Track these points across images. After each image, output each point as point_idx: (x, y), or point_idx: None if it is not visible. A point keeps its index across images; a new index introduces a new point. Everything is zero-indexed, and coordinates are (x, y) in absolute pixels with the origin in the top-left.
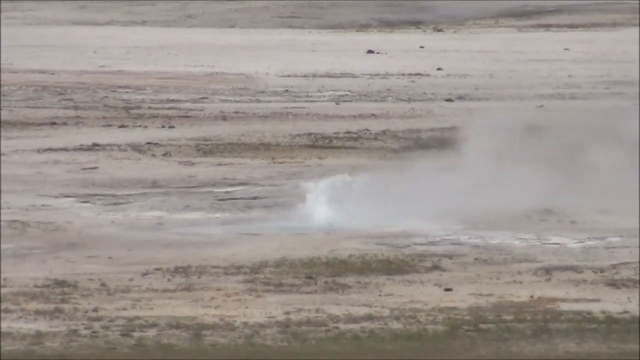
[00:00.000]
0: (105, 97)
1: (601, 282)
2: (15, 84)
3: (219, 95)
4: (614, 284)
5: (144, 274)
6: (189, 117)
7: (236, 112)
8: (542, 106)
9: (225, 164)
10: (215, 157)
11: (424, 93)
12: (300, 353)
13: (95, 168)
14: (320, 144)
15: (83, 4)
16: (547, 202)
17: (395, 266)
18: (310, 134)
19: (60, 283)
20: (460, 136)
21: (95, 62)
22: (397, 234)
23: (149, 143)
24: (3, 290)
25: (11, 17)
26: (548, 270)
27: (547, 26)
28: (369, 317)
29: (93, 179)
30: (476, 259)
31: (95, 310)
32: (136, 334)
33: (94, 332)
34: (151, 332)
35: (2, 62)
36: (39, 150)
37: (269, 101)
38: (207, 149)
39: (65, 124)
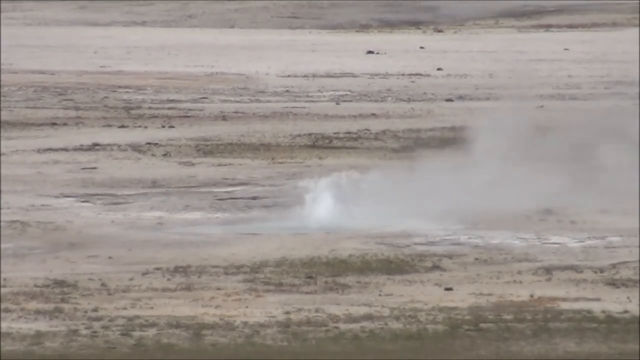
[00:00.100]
0: (106, 97)
1: (601, 281)
2: (15, 84)
3: (219, 95)
4: (614, 284)
5: (144, 274)
6: (189, 117)
7: (236, 112)
8: (542, 106)
9: (225, 164)
10: (215, 157)
11: (424, 93)
12: (300, 353)
13: (95, 168)
14: (321, 144)
15: (83, 4)
16: (548, 202)
17: (395, 266)
18: (310, 134)
19: (60, 283)
20: (460, 136)
21: (96, 62)
22: (397, 233)
23: (149, 143)
24: (3, 290)
25: (11, 17)
26: (548, 270)
27: (547, 26)
28: (369, 317)
29: (93, 179)
30: (476, 258)
31: (95, 310)
32: (136, 334)
33: (94, 331)
34: (151, 332)
35: (2, 62)
36: (39, 151)
37: (269, 101)
38: (207, 149)
39: (65, 124)
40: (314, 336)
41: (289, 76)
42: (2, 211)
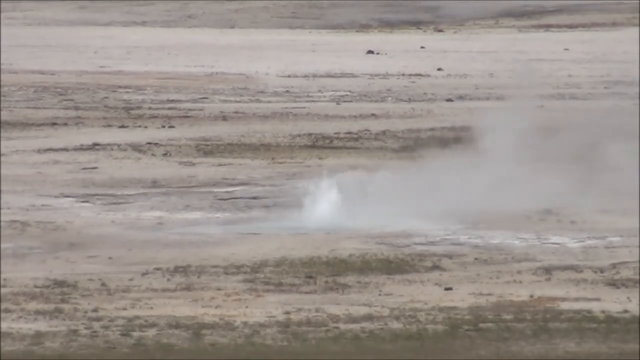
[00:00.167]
0: (106, 97)
1: (601, 281)
2: (15, 84)
3: (219, 95)
4: (613, 284)
5: (144, 274)
6: (189, 117)
7: (236, 112)
8: (542, 106)
9: (225, 164)
10: (215, 157)
11: (424, 93)
12: (300, 353)
13: (95, 168)
14: (321, 144)
15: (83, 4)
16: (547, 202)
17: (395, 266)
18: (310, 134)
19: (60, 283)
20: (461, 136)
21: (96, 62)
22: (397, 233)
23: (149, 143)
24: (3, 290)
25: (11, 17)
26: (548, 270)
27: (547, 26)
28: (369, 317)
29: (93, 179)
30: (476, 258)
31: (95, 310)
32: (136, 334)
33: (93, 332)
34: (151, 332)
35: (2, 62)
36: (39, 151)
37: (269, 101)
38: (207, 149)
39: (65, 124)
40: (314, 336)
41: (289, 76)
42: (2, 211)
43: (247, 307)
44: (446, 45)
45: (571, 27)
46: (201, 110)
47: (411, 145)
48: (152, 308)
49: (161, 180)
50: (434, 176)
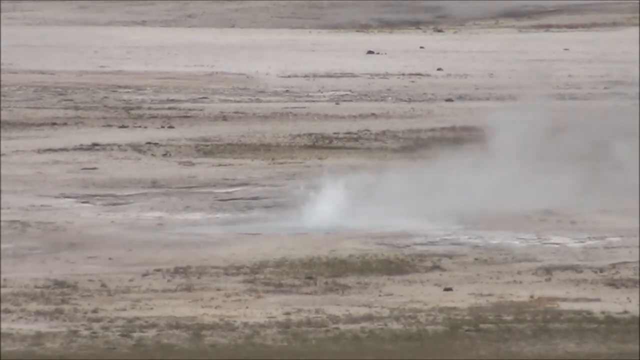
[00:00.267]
0: (106, 97)
1: (601, 282)
2: (15, 84)
3: (219, 95)
4: (613, 284)
5: (144, 275)
6: (188, 117)
7: (236, 112)
8: (542, 106)
9: (225, 164)
10: (215, 158)
11: (424, 93)
12: (300, 353)
13: (95, 168)
14: (321, 144)
15: (83, 4)
16: (547, 202)
17: (395, 266)
18: (310, 134)
19: (60, 283)
20: (461, 136)
21: (95, 62)
22: (397, 234)
23: (149, 143)
24: (3, 290)
25: (11, 17)
26: (548, 270)
27: (547, 26)
28: (369, 318)
29: (93, 179)
30: (476, 259)
31: (95, 310)
32: (136, 335)
33: (93, 332)
34: (151, 333)
35: (2, 62)
36: (39, 151)
37: (269, 101)
38: (207, 149)
39: (65, 124)
40: (314, 337)
41: (289, 76)
42: (2, 211)
43: (247, 307)
44: (446, 45)
45: (571, 27)
46: (201, 110)
47: (411, 145)
48: (152, 309)
49: (161, 180)
50: (434, 176)
